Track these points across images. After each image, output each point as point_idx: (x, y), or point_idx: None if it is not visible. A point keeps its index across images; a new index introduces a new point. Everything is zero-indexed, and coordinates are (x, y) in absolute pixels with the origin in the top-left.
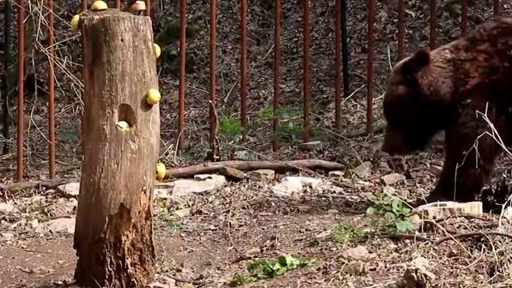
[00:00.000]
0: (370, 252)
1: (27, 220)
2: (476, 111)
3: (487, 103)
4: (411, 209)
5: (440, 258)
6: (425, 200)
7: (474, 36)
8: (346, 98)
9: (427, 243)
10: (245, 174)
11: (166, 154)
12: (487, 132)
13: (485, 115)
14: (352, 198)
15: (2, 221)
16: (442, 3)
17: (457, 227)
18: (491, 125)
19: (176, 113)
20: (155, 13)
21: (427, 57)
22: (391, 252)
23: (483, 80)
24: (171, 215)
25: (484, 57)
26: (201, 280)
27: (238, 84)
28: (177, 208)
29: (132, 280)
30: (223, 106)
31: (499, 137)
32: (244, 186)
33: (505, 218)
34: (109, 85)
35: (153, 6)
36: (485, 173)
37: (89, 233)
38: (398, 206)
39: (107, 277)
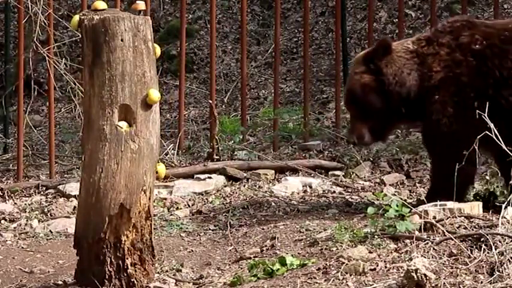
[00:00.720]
0: (370, 252)
1: (27, 220)
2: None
3: (454, 98)
4: (411, 209)
5: (440, 258)
6: (425, 200)
7: (437, 28)
8: None
9: (427, 243)
10: (245, 174)
11: (166, 154)
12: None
13: (452, 110)
14: (352, 198)
15: (2, 221)
16: (442, 3)
17: (457, 227)
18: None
19: (176, 113)
20: (155, 13)
21: (389, 47)
22: (391, 252)
23: (447, 74)
24: (171, 215)
25: (446, 51)
26: (201, 280)
27: (238, 84)
28: (177, 208)
29: (132, 280)
30: (223, 106)
31: (472, 131)
32: (244, 186)
33: (505, 218)
34: (109, 85)
35: (153, 6)
36: (473, 165)
37: (89, 233)
38: (398, 206)
39: (107, 277)
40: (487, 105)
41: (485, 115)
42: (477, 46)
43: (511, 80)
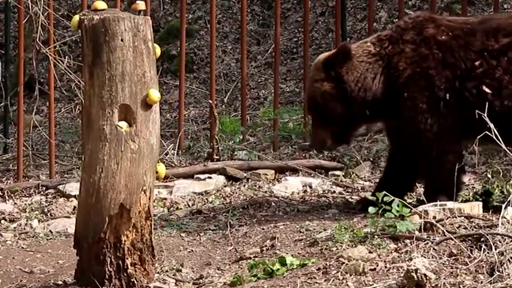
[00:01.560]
0: (370, 252)
1: (27, 220)
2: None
3: (425, 92)
4: (411, 209)
5: (440, 258)
6: (425, 200)
7: (399, 25)
8: None
9: (427, 243)
10: (245, 174)
11: (166, 154)
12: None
13: (424, 105)
14: (352, 198)
15: (2, 221)
16: (442, 3)
17: (457, 227)
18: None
19: (176, 113)
20: (155, 13)
21: (348, 52)
22: (391, 252)
23: (414, 69)
24: (171, 215)
25: (411, 47)
26: (201, 280)
27: (238, 84)
28: (177, 208)
29: (132, 280)
30: (223, 106)
31: (447, 123)
32: (244, 186)
33: (505, 218)
34: (109, 85)
35: (153, 6)
36: (458, 153)
37: (89, 233)
38: (398, 206)
39: (107, 277)
40: (456, 98)
41: (485, 115)
42: (443, 37)
43: (474, 72)
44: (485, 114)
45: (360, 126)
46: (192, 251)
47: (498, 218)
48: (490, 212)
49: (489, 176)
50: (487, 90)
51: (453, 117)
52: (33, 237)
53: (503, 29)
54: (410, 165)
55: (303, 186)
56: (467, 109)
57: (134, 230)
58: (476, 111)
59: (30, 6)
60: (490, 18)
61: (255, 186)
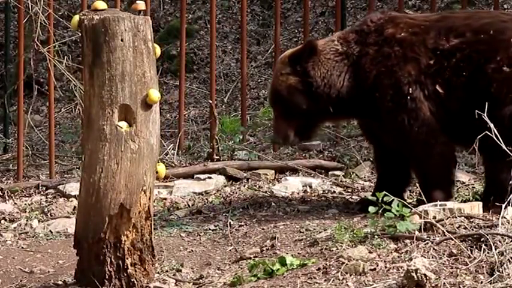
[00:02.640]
0: (370, 252)
1: (27, 220)
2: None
3: (390, 91)
4: (411, 209)
5: (440, 258)
6: (425, 200)
7: (362, 29)
8: None
9: (427, 243)
10: (245, 174)
11: (166, 154)
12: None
13: (392, 103)
14: (352, 198)
15: (2, 221)
16: (442, 3)
17: (457, 227)
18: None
19: (176, 113)
20: (155, 13)
21: (315, 48)
22: (391, 252)
23: (379, 69)
24: (171, 215)
25: (375, 49)
26: (201, 280)
27: (238, 84)
28: (177, 208)
29: (132, 280)
30: (223, 106)
31: (422, 117)
32: (244, 186)
33: (505, 218)
34: (109, 85)
35: (153, 6)
36: (445, 145)
37: (89, 233)
38: (398, 206)
39: (107, 277)
40: (421, 90)
41: (485, 115)
42: (402, 34)
43: (430, 70)
44: (438, 111)
45: (323, 122)
46: (192, 251)
47: (498, 218)
48: (490, 212)
49: None
50: (440, 89)
51: (424, 110)
52: (33, 237)
53: (455, 30)
54: (399, 159)
55: (303, 186)
56: (429, 103)
57: (134, 230)
58: (476, 111)
59: (30, 6)
60: (448, 16)
61: (255, 186)
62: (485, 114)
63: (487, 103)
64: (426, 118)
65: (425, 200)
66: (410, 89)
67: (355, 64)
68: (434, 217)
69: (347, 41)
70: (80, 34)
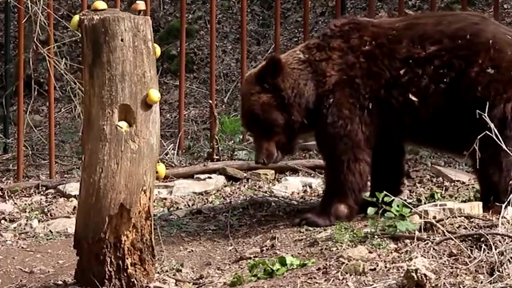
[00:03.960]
0: (370, 252)
1: (27, 220)
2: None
3: (350, 99)
4: (411, 209)
5: (440, 258)
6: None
7: (325, 32)
8: None
9: (427, 243)
10: (245, 174)
11: (167, 154)
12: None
13: (347, 112)
14: None
15: (2, 221)
16: (442, 3)
17: (457, 227)
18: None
19: (176, 113)
20: (155, 13)
21: (279, 62)
22: (391, 252)
23: (341, 77)
24: (171, 215)
25: (339, 54)
26: (201, 280)
27: (238, 84)
28: (177, 208)
29: (132, 280)
30: (223, 106)
31: (366, 132)
32: (244, 186)
33: (505, 218)
34: (109, 85)
35: (153, 6)
36: (367, 164)
37: (89, 233)
38: (398, 206)
39: (107, 277)
40: (381, 106)
41: (485, 115)
42: (366, 47)
43: (399, 80)
44: (411, 122)
45: (301, 133)
46: (192, 251)
47: (498, 218)
48: (490, 212)
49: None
50: (413, 98)
51: (373, 126)
52: (33, 237)
53: (430, 37)
54: (391, 159)
55: (303, 186)
56: (395, 116)
57: (134, 230)
58: (477, 111)
59: (30, 6)
60: (417, 23)
61: (255, 186)
62: (471, 118)
63: (472, 107)
64: (369, 135)
65: (324, 207)
66: (371, 103)
67: (315, 72)
68: (434, 217)
69: (308, 48)
70: (80, 34)
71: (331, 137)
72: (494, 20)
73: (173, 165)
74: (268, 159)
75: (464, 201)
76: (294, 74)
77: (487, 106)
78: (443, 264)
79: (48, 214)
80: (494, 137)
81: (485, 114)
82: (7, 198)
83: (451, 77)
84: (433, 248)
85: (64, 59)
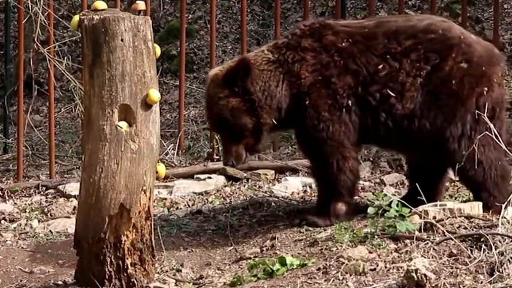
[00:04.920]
0: (370, 252)
1: (27, 220)
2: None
3: (327, 101)
4: (411, 209)
5: (440, 258)
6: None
7: (294, 32)
8: None
9: (427, 243)
10: (245, 174)
11: (167, 154)
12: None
13: (327, 114)
14: None
15: (2, 221)
16: (442, 3)
17: (457, 227)
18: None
19: (176, 113)
20: (155, 13)
21: (249, 64)
22: (391, 252)
23: (316, 77)
24: (171, 215)
25: (312, 54)
26: (201, 280)
27: None
28: (177, 208)
29: (132, 280)
30: None
31: (348, 130)
32: (244, 186)
33: (505, 218)
34: (109, 85)
35: (153, 6)
36: (355, 160)
37: (89, 233)
38: (398, 206)
39: (107, 277)
40: (358, 104)
41: (485, 115)
42: (343, 44)
43: (377, 76)
44: (387, 117)
45: (271, 133)
46: (192, 251)
47: (498, 218)
48: (490, 212)
49: None
50: (391, 93)
51: (354, 124)
52: (33, 237)
53: (403, 32)
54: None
55: (303, 186)
56: (371, 113)
57: (134, 230)
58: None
59: (30, 6)
60: (387, 21)
61: (255, 186)
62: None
63: (446, 101)
64: (353, 133)
65: (323, 208)
66: (349, 101)
67: (287, 73)
68: (434, 217)
69: (277, 48)
70: (80, 34)
71: (315, 141)
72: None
73: (173, 165)
74: (237, 161)
75: (464, 201)
76: (264, 75)
77: (460, 100)
78: (443, 264)
79: (48, 214)
80: (494, 137)
81: (485, 115)
82: (7, 198)
83: (427, 71)
84: (433, 248)
85: (66, 58)
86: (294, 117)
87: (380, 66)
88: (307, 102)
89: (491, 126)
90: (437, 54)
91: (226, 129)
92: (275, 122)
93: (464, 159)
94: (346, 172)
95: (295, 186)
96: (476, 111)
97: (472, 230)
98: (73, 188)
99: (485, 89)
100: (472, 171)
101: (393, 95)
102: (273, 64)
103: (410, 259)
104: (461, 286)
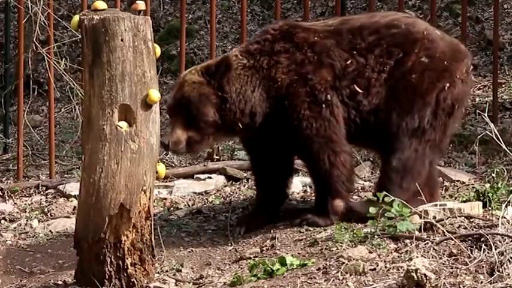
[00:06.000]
0: (370, 252)
1: (27, 220)
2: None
3: (306, 98)
4: (411, 209)
5: (440, 258)
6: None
7: (265, 38)
8: None
9: (427, 243)
10: (245, 174)
11: (166, 154)
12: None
13: (308, 112)
14: (352, 199)
15: (2, 221)
16: (442, 3)
17: (457, 227)
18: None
19: None
20: (155, 13)
21: (230, 64)
22: (391, 252)
23: (292, 77)
24: (171, 215)
25: (285, 56)
26: (201, 280)
27: None
28: (177, 208)
29: (132, 280)
30: None
31: (333, 124)
32: (244, 186)
33: (505, 218)
34: (109, 85)
35: (153, 6)
36: (346, 153)
37: (89, 233)
38: (398, 206)
39: (107, 277)
40: (336, 96)
41: (485, 115)
42: (315, 38)
43: (346, 71)
44: (355, 114)
45: (218, 137)
46: (192, 251)
47: (498, 218)
48: (490, 212)
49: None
50: (358, 89)
51: (338, 117)
52: (33, 237)
53: (367, 28)
54: (279, 172)
55: (303, 186)
56: (344, 109)
57: (134, 230)
58: (477, 111)
59: (30, 6)
60: (350, 19)
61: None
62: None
63: (404, 93)
64: (338, 126)
65: (321, 206)
66: (327, 95)
67: (264, 79)
68: (434, 217)
69: (251, 54)
70: (80, 34)
71: (303, 141)
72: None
73: (173, 165)
74: (173, 146)
75: (464, 201)
76: (241, 79)
77: (420, 94)
78: (443, 264)
79: (48, 214)
80: (494, 137)
81: (485, 115)
82: (7, 198)
83: (391, 66)
84: (433, 248)
85: (64, 59)
86: (275, 121)
87: (348, 62)
88: (286, 103)
89: (492, 126)
90: (400, 49)
91: (183, 112)
92: (241, 127)
93: (403, 146)
94: (338, 167)
95: (295, 186)
96: (415, 97)
97: (472, 230)
98: (73, 188)
99: (447, 84)
100: (402, 155)
101: (360, 91)
102: (249, 70)
103: (410, 259)
104: (461, 286)
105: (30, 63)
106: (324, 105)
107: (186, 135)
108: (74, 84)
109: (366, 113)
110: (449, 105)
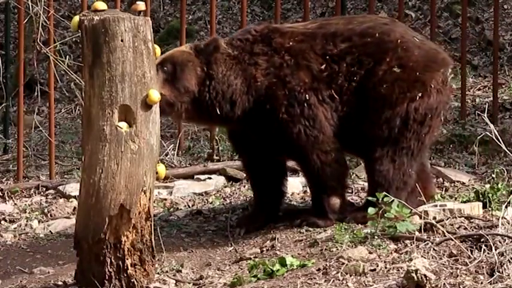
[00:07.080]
0: (370, 252)
1: (27, 221)
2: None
3: (285, 101)
4: (411, 209)
5: (441, 258)
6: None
7: (247, 38)
8: None
9: (427, 243)
10: (245, 175)
11: (167, 155)
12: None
13: (286, 116)
14: (352, 199)
15: (2, 222)
16: (442, 3)
17: (457, 228)
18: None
19: None
20: (155, 14)
21: (218, 47)
22: (391, 253)
23: (271, 80)
24: (171, 215)
25: (264, 58)
26: (201, 281)
27: None
28: (177, 209)
29: (132, 281)
30: None
31: (317, 123)
32: (244, 186)
33: (505, 218)
34: (109, 85)
35: (153, 6)
36: (337, 150)
37: (89, 234)
38: (398, 206)
39: (107, 278)
40: (315, 96)
41: (485, 115)
42: (290, 43)
43: (322, 76)
44: (334, 115)
45: (191, 116)
46: (192, 251)
47: (498, 219)
48: (490, 213)
49: (493, 176)
50: (335, 95)
51: (320, 116)
52: (33, 237)
53: (340, 34)
54: (272, 170)
55: (303, 186)
56: (326, 107)
57: (134, 231)
58: (478, 112)
59: (30, 6)
60: (327, 23)
61: None
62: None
63: (374, 104)
64: (322, 125)
65: (319, 207)
66: (307, 95)
67: (245, 72)
68: (435, 218)
69: (235, 47)
70: (80, 35)
71: (290, 143)
72: (402, 24)
73: (173, 165)
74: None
75: (464, 202)
76: (226, 64)
77: (390, 104)
78: (443, 264)
79: (48, 215)
80: (494, 137)
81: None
82: (7, 198)
83: (361, 75)
84: (433, 249)
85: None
86: (258, 122)
87: (323, 67)
88: (268, 106)
89: (492, 126)
90: (371, 59)
91: (166, 72)
92: (218, 112)
93: (380, 156)
94: (330, 164)
95: (295, 186)
96: (382, 108)
97: (472, 230)
98: (73, 188)
99: (419, 94)
100: (381, 167)
101: (336, 97)
102: (233, 59)
103: (411, 259)
104: (461, 286)
105: (35, 63)
106: (305, 105)
107: (161, 91)
108: (80, 81)
109: (342, 119)
110: (422, 114)
